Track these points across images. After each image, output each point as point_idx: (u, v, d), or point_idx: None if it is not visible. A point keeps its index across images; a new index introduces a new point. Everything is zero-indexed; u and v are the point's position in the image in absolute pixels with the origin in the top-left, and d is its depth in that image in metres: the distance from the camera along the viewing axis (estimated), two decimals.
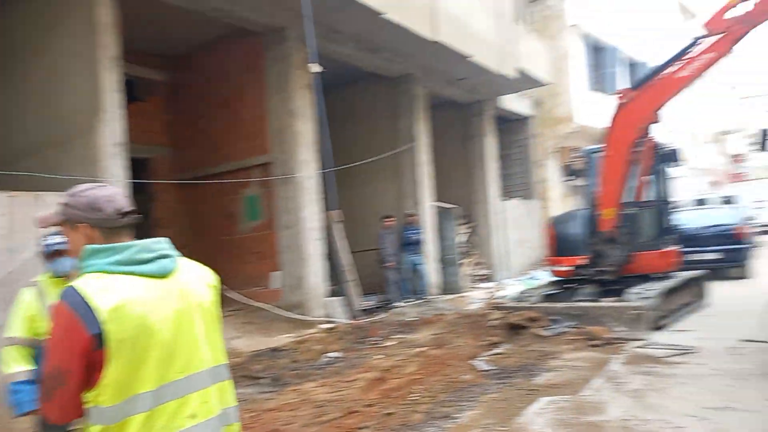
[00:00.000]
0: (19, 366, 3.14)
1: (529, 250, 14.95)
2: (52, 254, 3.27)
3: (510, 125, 15.75)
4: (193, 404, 1.64)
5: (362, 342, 8.12)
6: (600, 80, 18.02)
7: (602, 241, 8.27)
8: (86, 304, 1.51)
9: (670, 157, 9.01)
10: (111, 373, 1.52)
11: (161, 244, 1.73)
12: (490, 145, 13.76)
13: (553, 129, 16.28)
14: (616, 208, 8.18)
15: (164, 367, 1.60)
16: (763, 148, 8.75)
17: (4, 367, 3.17)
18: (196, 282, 1.78)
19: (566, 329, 7.13)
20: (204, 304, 1.76)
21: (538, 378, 5.72)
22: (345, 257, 9.49)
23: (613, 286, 8.13)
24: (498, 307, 8.11)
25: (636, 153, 8.10)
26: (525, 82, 13.26)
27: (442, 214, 11.88)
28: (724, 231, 11.74)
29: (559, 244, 9.31)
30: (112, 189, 1.78)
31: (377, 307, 9.82)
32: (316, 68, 7.76)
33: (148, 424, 1.55)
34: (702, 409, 4.53)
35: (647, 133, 8.12)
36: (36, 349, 3.12)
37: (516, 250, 13.99)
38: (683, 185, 16.90)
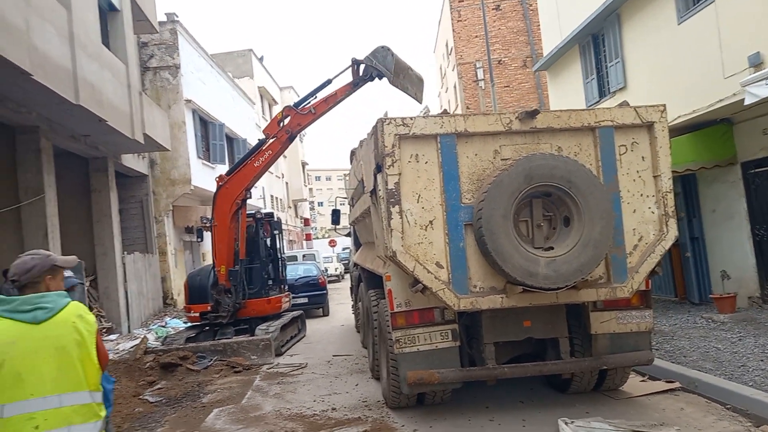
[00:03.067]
0: None
1: (151, 302, 15.76)
2: None
3: (128, 181, 16.43)
4: (39, 419, 2.27)
5: None
6: (208, 150, 20.49)
7: (219, 291, 10.10)
8: None
9: (278, 225, 11.86)
10: None
11: (45, 298, 2.40)
12: (113, 200, 14.22)
13: (170, 189, 17.73)
14: (227, 265, 10.11)
15: (12, 389, 2.26)
16: (334, 222, 12.49)
17: None
18: (64, 329, 2.39)
19: (213, 362, 8.75)
20: (64, 347, 2.36)
21: (204, 399, 7.23)
22: None
23: (244, 326, 10.19)
24: (148, 352, 9.07)
25: (236, 221, 10.17)
26: (148, 145, 14.42)
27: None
28: (310, 280, 15.40)
29: (192, 294, 10.89)
30: (23, 258, 2.49)
31: None
32: None
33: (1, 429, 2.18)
34: (319, 396, 6.97)
35: (243, 206, 10.24)
36: None
37: (137, 302, 14.63)
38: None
